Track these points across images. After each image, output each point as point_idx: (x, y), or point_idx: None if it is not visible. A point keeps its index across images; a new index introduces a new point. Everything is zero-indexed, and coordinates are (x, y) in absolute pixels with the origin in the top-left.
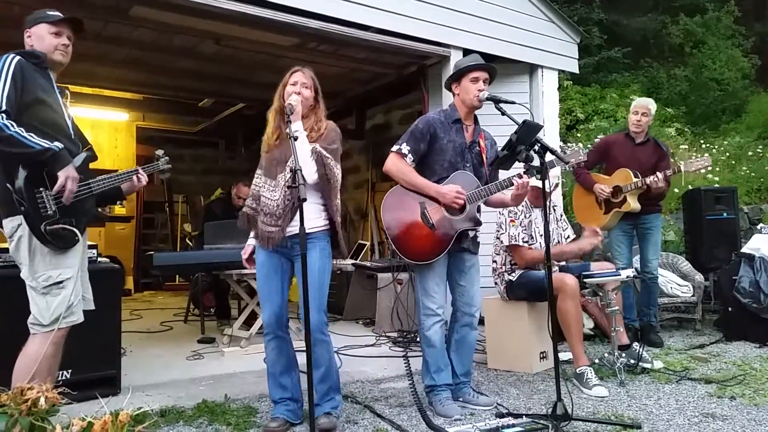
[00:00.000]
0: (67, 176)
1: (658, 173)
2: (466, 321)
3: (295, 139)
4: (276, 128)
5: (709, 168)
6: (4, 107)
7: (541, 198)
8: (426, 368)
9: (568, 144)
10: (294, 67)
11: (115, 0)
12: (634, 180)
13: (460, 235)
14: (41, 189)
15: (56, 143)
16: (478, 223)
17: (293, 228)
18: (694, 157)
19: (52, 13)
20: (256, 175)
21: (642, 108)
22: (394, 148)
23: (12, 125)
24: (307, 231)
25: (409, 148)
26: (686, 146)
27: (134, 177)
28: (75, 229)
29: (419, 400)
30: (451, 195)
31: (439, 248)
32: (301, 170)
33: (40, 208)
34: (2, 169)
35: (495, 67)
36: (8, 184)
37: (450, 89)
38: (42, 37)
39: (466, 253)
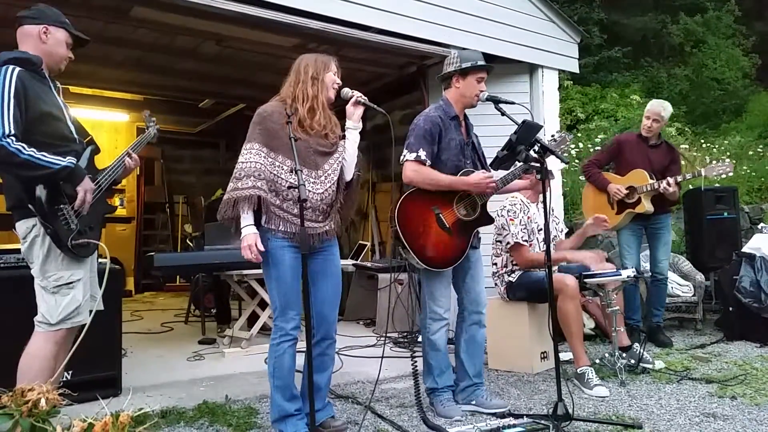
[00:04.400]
0: (85, 190)
1: (669, 179)
2: (474, 319)
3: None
4: (321, 116)
5: (731, 174)
6: (12, 131)
7: (538, 193)
8: (428, 371)
9: (556, 133)
10: (327, 54)
11: (116, 1)
12: (650, 181)
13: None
14: (62, 206)
15: (69, 158)
16: (491, 220)
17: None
18: (715, 162)
19: (68, 22)
20: (254, 151)
21: (654, 114)
22: (410, 156)
23: (24, 148)
24: (329, 230)
25: (425, 152)
26: (686, 146)
27: (126, 159)
28: (99, 242)
29: (420, 401)
30: (484, 181)
31: (460, 252)
32: (301, 170)
33: (63, 225)
34: (17, 181)
35: (492, 66)
36: (29, 205)
37: (448, 81)
38: (59, 43)
39: (470, 249)
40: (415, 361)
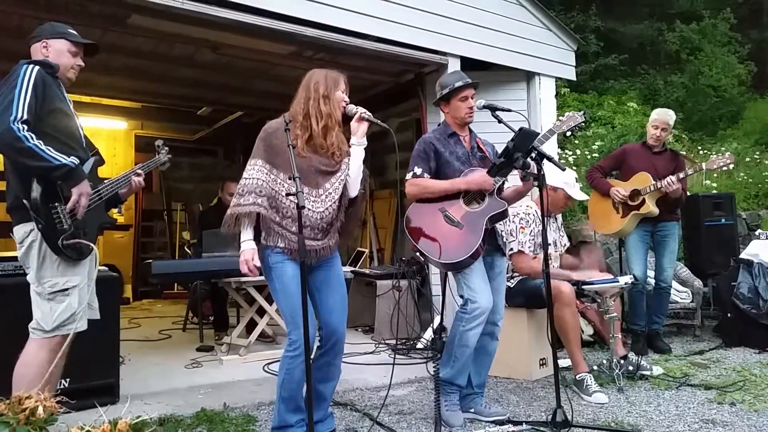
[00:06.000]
0: (80, 193)
1: (671, 176)
2: (488, 329)
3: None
4: (335, 135)
5: (732, 166)
6: (25, 116)
7: (553, 206)
8: (451, 365)
9: (565, 113)
10: (336, 71)
11: (114, 9)
12: (653, 182)
13: (491, 230)
14: (56, 204)
15: (72, 158)
16: (503, 205)
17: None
18: (715, 156)
19: (72, 31)
20: (257, 168)
21: (662, 123)
22: (408, 176)
23: (32, 137)
24: (327, 247)
25: (421, 169)
26: (683, 152)
27: (132, 178)
28: (91, 244)
29: (439, 414)
30: (480, 179)
31: (474, 241)
32: (299, 178)
33: (56, 223)
34: (16, 179)
35: (478, 82)
36: (24, 200)
37: (439, 107)
38: (61, 53)
39: (497, 255)
40: (438, 367)
